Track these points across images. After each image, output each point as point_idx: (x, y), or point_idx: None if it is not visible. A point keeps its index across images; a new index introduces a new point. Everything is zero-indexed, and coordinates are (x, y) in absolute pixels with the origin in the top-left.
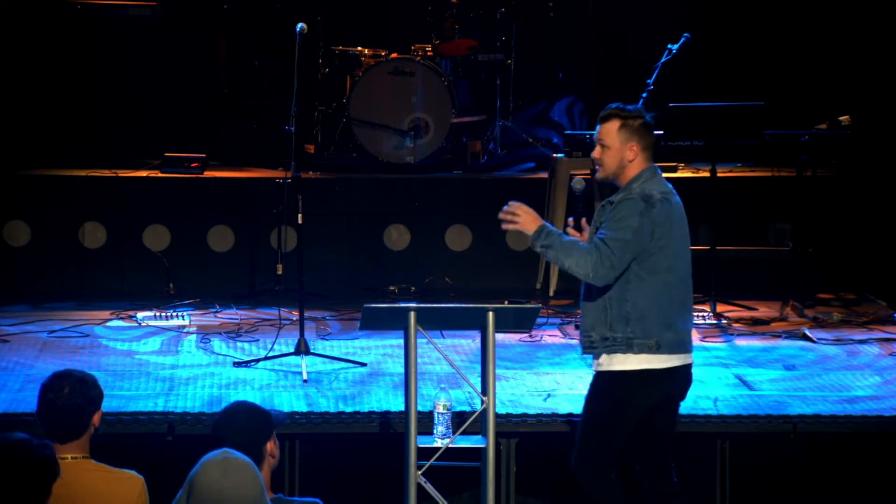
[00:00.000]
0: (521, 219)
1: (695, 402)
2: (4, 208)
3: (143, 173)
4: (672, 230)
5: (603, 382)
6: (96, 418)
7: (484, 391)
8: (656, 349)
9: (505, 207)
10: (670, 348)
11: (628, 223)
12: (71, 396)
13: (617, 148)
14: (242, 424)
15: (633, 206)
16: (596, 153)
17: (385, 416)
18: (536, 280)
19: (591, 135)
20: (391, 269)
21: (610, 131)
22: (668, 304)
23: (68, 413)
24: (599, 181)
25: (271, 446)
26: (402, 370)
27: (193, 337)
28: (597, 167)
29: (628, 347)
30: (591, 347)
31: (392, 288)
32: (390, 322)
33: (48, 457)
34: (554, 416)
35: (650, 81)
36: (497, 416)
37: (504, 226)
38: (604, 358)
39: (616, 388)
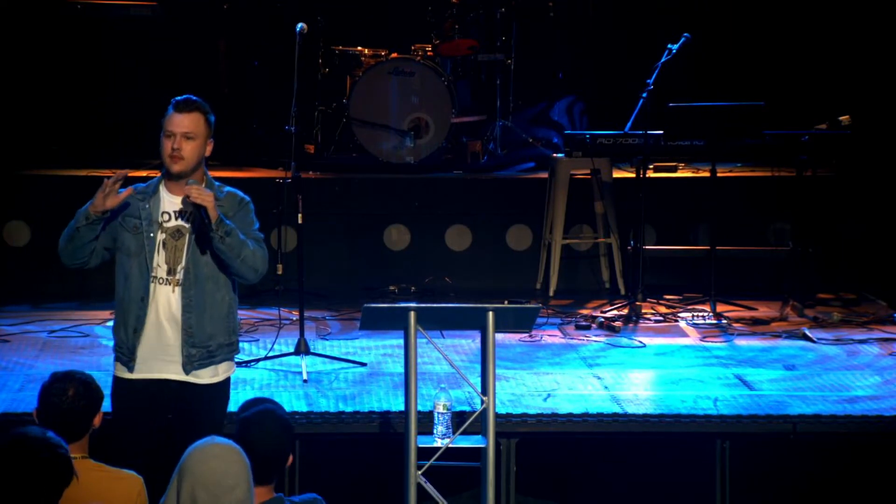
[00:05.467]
0: (209, 198)
1: (695, 402)
2: (4, 208)
3: (143, 173)
4: None
5: (224, 390)
6: (97, 419)
7: (484, 391)
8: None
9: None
10: None
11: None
12: (75, 400)
13: (202, 142)
14: (271, 434)
15: (252, 207)
16: (178, 143)
17: (385, 416)
18: (536, 280)
19: (591, 135)
20: (391, 269)
21: (198, 123)
22: None
23: (72, 416)
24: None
25: (290, 460)
26: (402, 370)
27: None
28: (175, 162)
29: (235, 349)
30: (210, 358)
31: (392, 288)
32: (390, 322)
33: (65, 457)
34: (554, 415)
35: (650, 81)
36: (497, 416)
37: (188, 191)
38: (225, 365)
39: (228, 391)
